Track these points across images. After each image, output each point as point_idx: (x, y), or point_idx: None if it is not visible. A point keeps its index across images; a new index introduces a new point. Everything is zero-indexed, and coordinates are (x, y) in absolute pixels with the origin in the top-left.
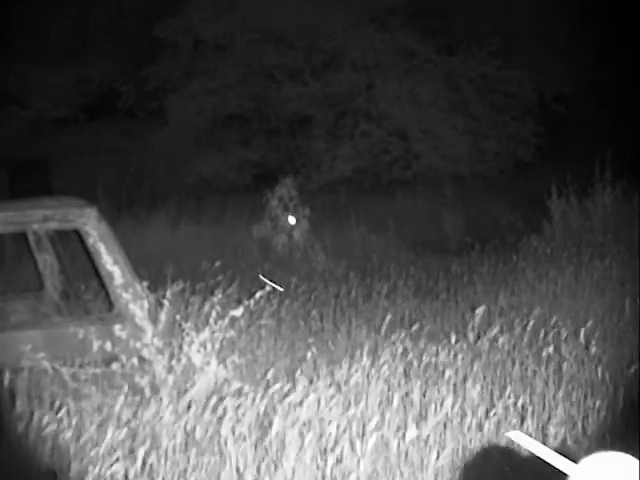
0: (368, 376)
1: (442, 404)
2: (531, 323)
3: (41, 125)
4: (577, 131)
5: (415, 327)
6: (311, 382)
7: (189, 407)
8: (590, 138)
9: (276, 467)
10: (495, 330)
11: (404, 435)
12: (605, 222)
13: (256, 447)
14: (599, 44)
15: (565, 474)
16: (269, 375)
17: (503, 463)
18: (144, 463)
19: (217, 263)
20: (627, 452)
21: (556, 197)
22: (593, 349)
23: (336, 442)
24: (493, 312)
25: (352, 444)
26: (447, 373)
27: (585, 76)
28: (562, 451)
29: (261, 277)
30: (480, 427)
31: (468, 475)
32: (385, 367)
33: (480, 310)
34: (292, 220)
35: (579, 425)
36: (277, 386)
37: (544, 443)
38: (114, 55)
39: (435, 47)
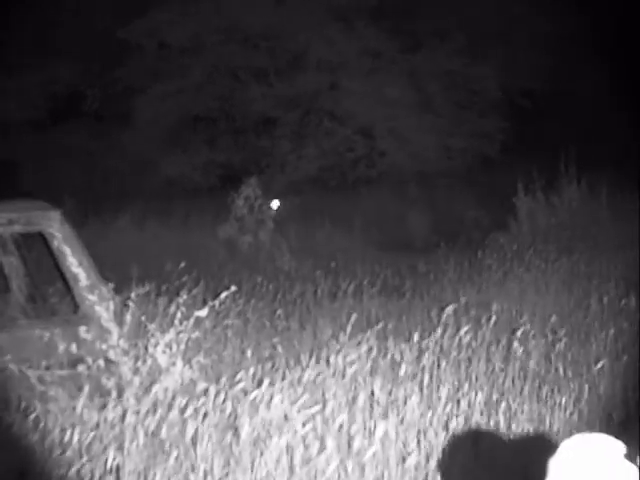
0: (334, 375)
1: (408, 402)
2: (497, 320)
3: (7, 127)
4: (543, 127)
5: (381, 325)
6: (277, 381)
7: (155, 408)
8: (556, 134)
9: (243, 467)
10: (461, 327)
11: (370, 433)
12: (571, 218)
13: (222, 447)
14: (564, 40)
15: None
16: (234, 375)
17: (470, 460)
18: (110, 464)
19: (182, 264)
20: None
21: (522, 193)
22: (559, 345)
23: (303, 441)
24: (459, 309)
25: (319, 443)
26: (413, 371)
27: (550, 72)
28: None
29: None
30: (446, 424)
31: (436, 472)
32: (351, 365)
33: (450, 309)
34: (275, 204)
35: (546, 422)
36: (243, 386)
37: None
38: (80, 57)
39: (400, 45)
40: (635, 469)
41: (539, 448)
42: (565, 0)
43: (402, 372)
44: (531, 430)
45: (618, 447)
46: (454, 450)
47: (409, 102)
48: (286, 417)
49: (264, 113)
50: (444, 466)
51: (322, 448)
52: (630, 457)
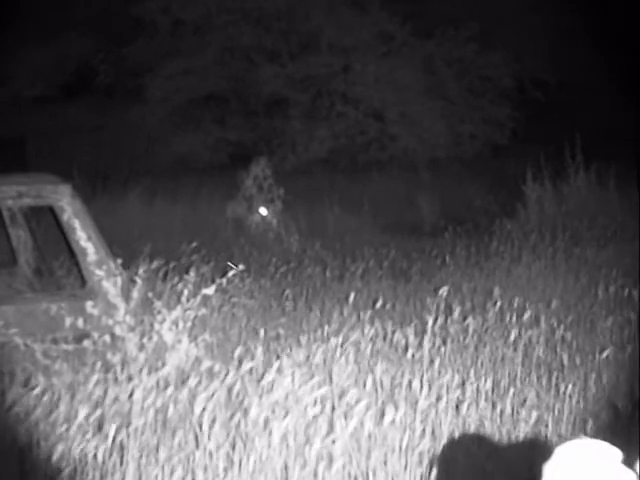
0: (339, 356)
1: (412, 386)
2: (503, 306)
3: (18, 102)
4: (553, 117)
5: (387, 308)
6: (282, 361)
7: (160, 385)
8: (566, 122)
9: (249, 447)
10: (467, 312)
11: (376, 416)
12: (580, 207)
13: (228, 426)
14: (575, 30)
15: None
16: (240, 354)
17: (475, 448)
18: (114, 441)
19: (192, 242)
20: (599, 436)
21: (531, 181)
22: (565, 333)
23: (307, 423)
24: (466, 294)
25: (324, 425)
26: (417, 354)
27: (562, 63)
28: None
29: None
30: (450, 410)
31: (441, 458)
32: (357, 348)
33: (443, 290)
34: (264, 211)
35: (551, 409)
36: (248, 365)
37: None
38: (93, 34)
39: (412, 30)
40: (633, 475)
41: (533, 453)
42: None
43: (407, 355)
44: (526, 434)
45: (614, 453)
46: (459, 437)
47: (421, 87)
48: (292, 398)
49: (276, 93)
50: (449, 452)
51: (329, 430)
52: (628, 463)
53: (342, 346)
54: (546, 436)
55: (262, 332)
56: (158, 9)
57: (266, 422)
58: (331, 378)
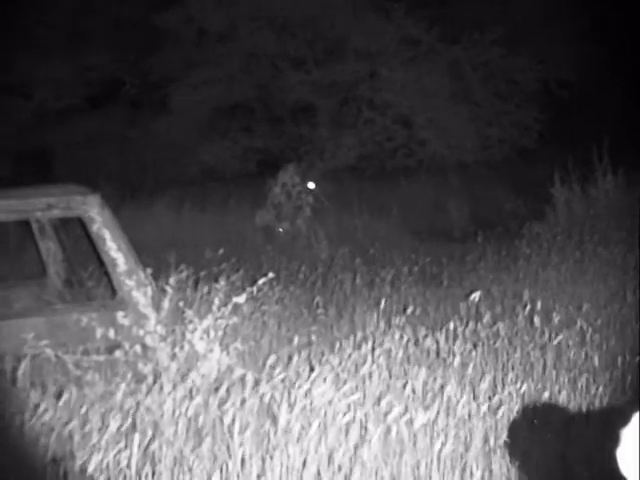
0: (371, 363)
1: (444, 390)
2: (534, 309)
3: (44, 115)
4: (580, 118)
5: (418, 313)
6: (314, 369)
7: (192, 394)
8: (594, 125)
9: (281, 454)
10: (497, 317)
11: (409, 421)
12: (608, 209)
13: (260, 434)
14: (602, 30)
15: None
16: (272, 362)
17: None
18: (147, 451)
19: (220, 250)
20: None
21: (559, 184)
22: (595, 336)
23: (340, 429)
24: (496, 298)
25: (356, 431)
26: (449, 359)
27: (588, 63)
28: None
29: None
30: (484, 413)
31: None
32: (388, 353)
33: (475, 295)
34: (312, 185)
35: (583, 411)
36: (280, 373)
37: (582, 410)
38: (117, 44)
39: (438, 35)
40: None
41: (612, 418)
42: None
43: (438, 360)
44: (603, 401)
45: None
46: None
47: (448, 92)
48: (323, 404)
49: (302, 100)
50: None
51: (359, 435)
52: None
53: (374, 352)
54: (612, 421)
55: (293, 340)
56: (181, 19)
57: (299, 429)
58: (364, 384)
